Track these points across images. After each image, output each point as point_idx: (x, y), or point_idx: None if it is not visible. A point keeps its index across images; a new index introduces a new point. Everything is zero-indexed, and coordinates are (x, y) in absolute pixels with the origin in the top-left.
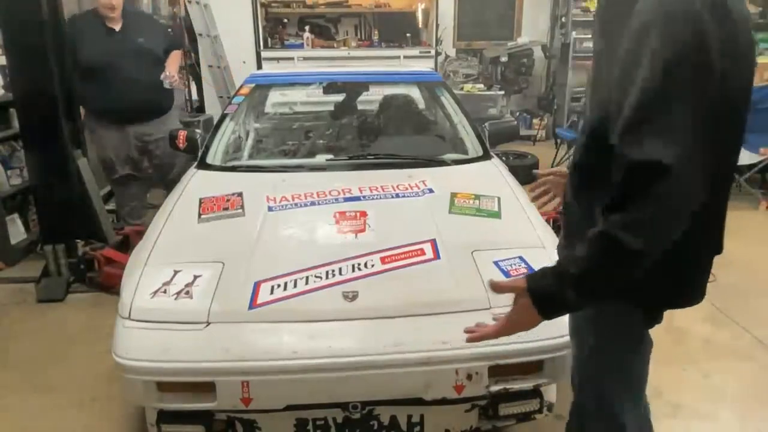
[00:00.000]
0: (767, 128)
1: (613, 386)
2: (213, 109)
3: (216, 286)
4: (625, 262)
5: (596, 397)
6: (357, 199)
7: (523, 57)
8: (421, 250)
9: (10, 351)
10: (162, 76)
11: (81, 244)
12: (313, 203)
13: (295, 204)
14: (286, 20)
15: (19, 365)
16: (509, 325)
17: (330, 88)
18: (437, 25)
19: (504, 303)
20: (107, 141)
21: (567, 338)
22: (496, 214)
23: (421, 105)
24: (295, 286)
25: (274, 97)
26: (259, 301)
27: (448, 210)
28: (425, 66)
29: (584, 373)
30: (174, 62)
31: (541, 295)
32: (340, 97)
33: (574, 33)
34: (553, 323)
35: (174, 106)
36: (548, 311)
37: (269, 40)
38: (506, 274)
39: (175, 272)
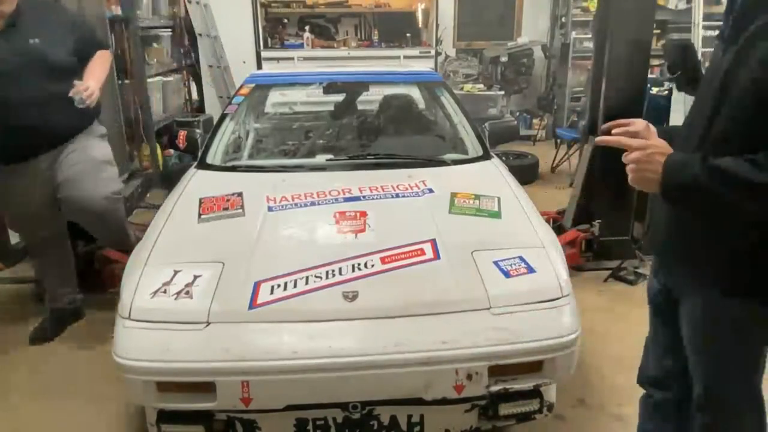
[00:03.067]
0: None
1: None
2: (213, 109)
3: (216, 286)
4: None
5: (743, 392)
6: (357, 199)
7: (523, 57)
8: (421, 250)
9: (10, 351)
10: (72, 92)
11: (81, 244)
12: (313, 203)
13: (295, 204)
14: (286, 20)
15: (18, 365)
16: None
17: (330, 88)
18: (437, 25)
19: (504, 303)
20: (7, 189)
21: (567, 338)
22: (496, 214)
23: (421, 105)
24: (295, 286)
25: (274, 97)
26: (259, 301)
27: (448, 210)
28: (425, 66)
29: (725, 374)
30: (96, 69)
31: (674, 161)
32: (340, 97)
33: (574, 33)
34: (553, 324)
35: (96, 124)
36: (672, 177)
37: (269, 40)
38: (506, 274)
39: (175, 272)
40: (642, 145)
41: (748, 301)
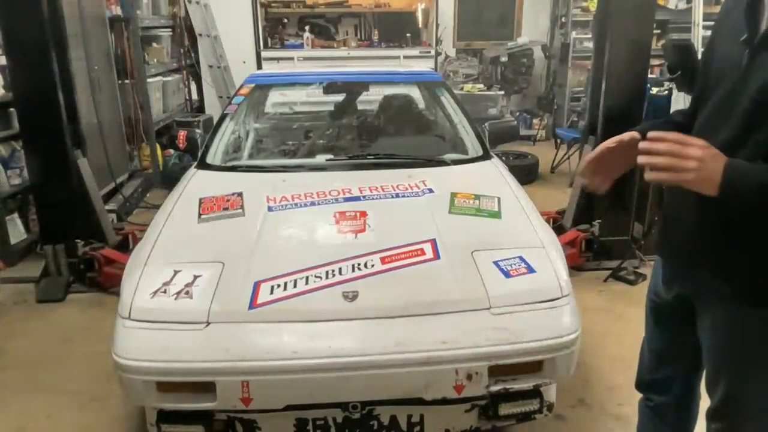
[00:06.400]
0: None
1: None
2: (213, 109)
3: (216, 286)
4: None
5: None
6: (357, 199)
7: (523, 57)
8: (421, 250)
9: (10, 351)
10: None
11: (81, 244)
12: (313, 203)
13: (295, 204)
14: (286, 20)
15: (19, 365)
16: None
17: (330, 88)
18: (437, 25)
19: (504, 303)
20: None
21: (567, 338)
22: (496, 214)
23: (421, 105)
24: (295, 286)
25: (274, 97)
26: (259, 301)
27: (448, 210)
28: (425, 66)
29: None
30: None
31: (737, 165)
32: (340, 97)
33: (574, 33)
34: (553, 324)
35: None
36: (732, 182)
37: (269, 40)
38: (506, 274)
39: (175, 272)
40: (703, 144)
41: None
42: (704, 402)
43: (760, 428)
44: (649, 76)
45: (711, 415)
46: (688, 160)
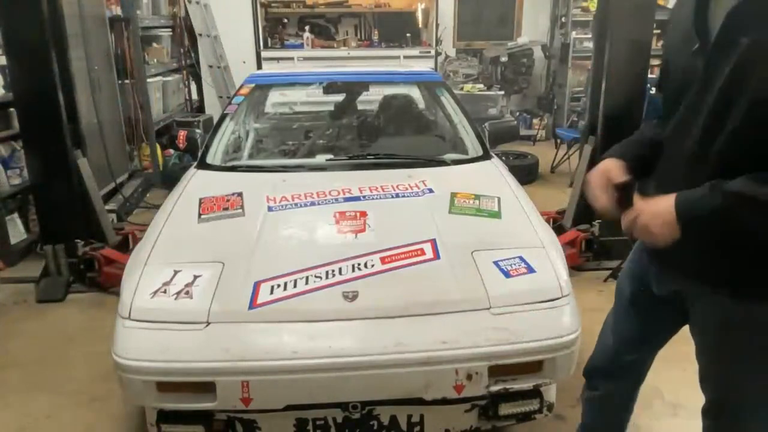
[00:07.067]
0: None
1: None
2: (213, 109)
3: (216, 286)
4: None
5: (758, 399)
6: (357, 199)
7: (523, 57)
8: (421, 250)
9: (10, 351)
10: None
11: (81, 244)
12: (313, 203)
13: (295, 204)
14: (286, 20)
15: (19, 365)
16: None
17: (330, 88)
18: (437, 25)
19: (504, 303)
20: None
21: (567, 338)
22: (496, 214)
23: (421, 105)
24: (295, 286)
25: (274, 97)
26: (259, 301)
27: (448, 210)
28: (425, 66)
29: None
30: None
31: (683, 199)
32: (340, 97)
33: (574, 33)
34: (553, 324)
35: None
36: (687, 214)
37: (269, 40)
38: (506, 274)
39: (175, 272)
40: (637, 209)
41: None
42: (699, 400)
43: (752, 424)
44: (649, 76)
45: (705, 413)
46: (635, 220)
